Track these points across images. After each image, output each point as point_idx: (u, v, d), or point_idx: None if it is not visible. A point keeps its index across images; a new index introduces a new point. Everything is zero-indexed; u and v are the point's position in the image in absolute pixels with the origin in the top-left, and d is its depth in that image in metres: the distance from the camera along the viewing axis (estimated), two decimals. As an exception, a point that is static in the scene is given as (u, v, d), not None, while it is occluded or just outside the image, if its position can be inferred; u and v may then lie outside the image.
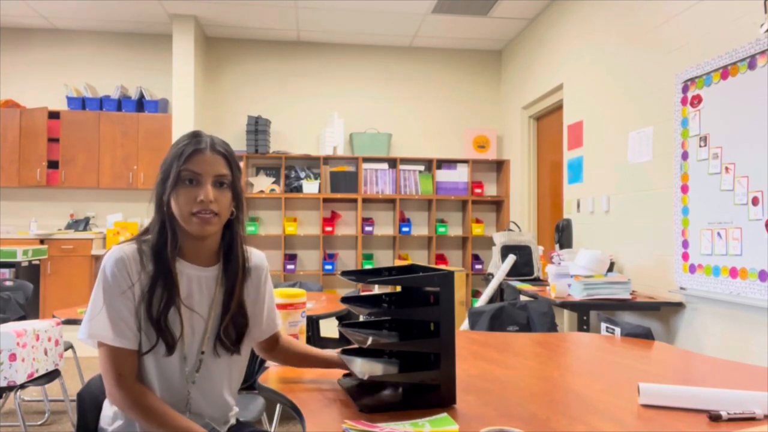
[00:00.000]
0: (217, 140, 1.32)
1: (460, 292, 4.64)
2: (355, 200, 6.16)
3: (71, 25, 5.99)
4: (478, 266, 6.26)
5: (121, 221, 5.95)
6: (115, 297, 1.23)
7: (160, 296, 1.25)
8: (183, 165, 1.25)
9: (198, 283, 1.32)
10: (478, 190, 6.28)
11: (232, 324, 1.33)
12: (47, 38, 6.08)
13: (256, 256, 1.44)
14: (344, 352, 1.45)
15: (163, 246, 1.27)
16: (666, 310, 3.39)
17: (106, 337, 1.22)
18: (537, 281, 4.30)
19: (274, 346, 1.50)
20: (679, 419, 1.14)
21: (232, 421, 1.48)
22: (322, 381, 1.41)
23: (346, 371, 1.42)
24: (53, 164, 5.80)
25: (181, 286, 1.29)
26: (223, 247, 1.36)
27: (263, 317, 1.44)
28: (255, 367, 2.21)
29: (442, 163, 6.28)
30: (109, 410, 1.33)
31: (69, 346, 3.12)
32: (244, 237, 1.38)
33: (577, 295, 3.28)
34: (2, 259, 4.99)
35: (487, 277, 4.56)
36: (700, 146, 3.07)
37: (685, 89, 3.21)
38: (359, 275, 1.38)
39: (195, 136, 1.30)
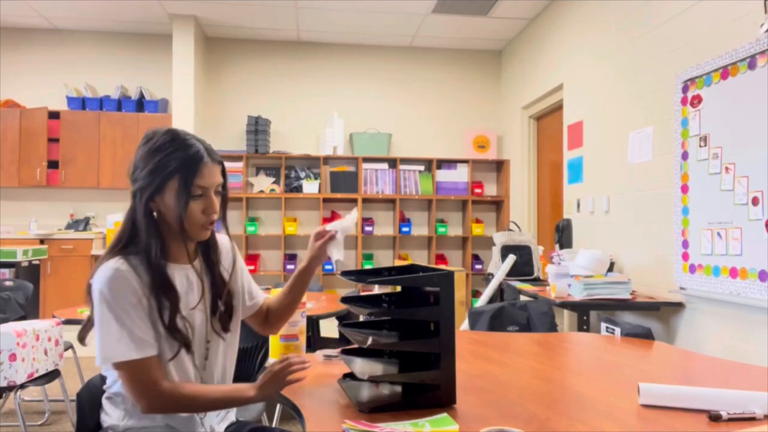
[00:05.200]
0: (208, 146, 1.32)
1: (460, 292, 4.64)
2: (355, 200, 6.16)
3: (71, 25, 5.99)
4: (478, 266, 6.26)
5: (121, 221, 5.94)
6: (126, 312, 1.21)
7: (165, 304, 1.26)
8: (195, 180, 1.25)
9: (187, 279, 1.34)
10: (478, 190, 6.28)
11: (224, 304, 1.38)
12: (47, 38, 6.08)
13: (220, 237, 1.48)
14: (344, 352, 1.45)
15: (153, 254, 1.26)
16: (666, 310, 3.39)
17: (131, 354, 1.20)
18: (537, 281, 4.30)
19: (267, 316, 1.56)
20: (679, 419, 1.14)
21: (232, 417, 1.49)
22: (322, 381, 1.41)
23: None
24: (53, 164, 5.80)
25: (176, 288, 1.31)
26: (202, 242, 1.40)
27: (244, 291, 1.49)
28: (255, 366, 2.21)
29: (442, 163, 6.28)
30: (114, 410, 1.32)
31: (69, 346, 3.12)
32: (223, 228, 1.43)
33: (577, 295, 3.28)
34: (2, 259, 4.99)
35: (487, 277, 4.56)
36: (700, 146, 3.07)
37: (685, 89, 3.21)
38: (359, 275, 1.38)
39: (189, 144, 1.28)
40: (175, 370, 1.29)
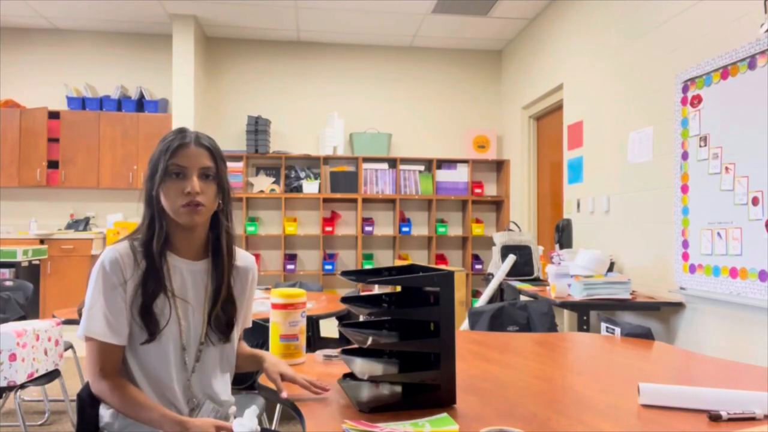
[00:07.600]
0: (201, 135, 1.37)
1: (460, 292, 4.64)
2: (355, 200, 6.16)
3: (71, 25, 5.99)
4: (478, 266, 6.26)
5: (121, 221, 5.95)
6: (107, 294, 1.27)
7: (149, 288, 1.30)
8: (170, 159, 1.29)
9: (191, 276, 1.37)
10: (478, 190, 6.28)
11: (223, 311, 1.39)
12: (47, 38, 6.08)
13: (245, 257, 1.49)
14: (344, 352, 1.45)
15: (151, 240, 1.32)
16: (666, 310, 3.39)
17: (98, 333, 1.27)
18: (537, 281, 4.30)
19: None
20: (679, 419, 1.14)
21: (232, 419, 1.48)
22: (322, 381, 1.41)
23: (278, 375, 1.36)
24: (53, 164, 5.80)
25: (174, 280, 1.35)
26: (212, 239, 1.40)
27: (243, 315, 1.50)
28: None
29: (442, 163, 6.28)
30: (105, 411, 1.34)
31: (69, 346, 3.12)
32: (232, 228, 1.42)
33: (577, 295, 3.28)
34: (2, 259, 4.99)
35: (487, 277, 4.56)
36: (700, 146, 3.07)
37: (685, 89, 3.21)
38: (359, 275, 1.38)
39: (180, 132, 1.34)
40: (157, 361, 1.31)
